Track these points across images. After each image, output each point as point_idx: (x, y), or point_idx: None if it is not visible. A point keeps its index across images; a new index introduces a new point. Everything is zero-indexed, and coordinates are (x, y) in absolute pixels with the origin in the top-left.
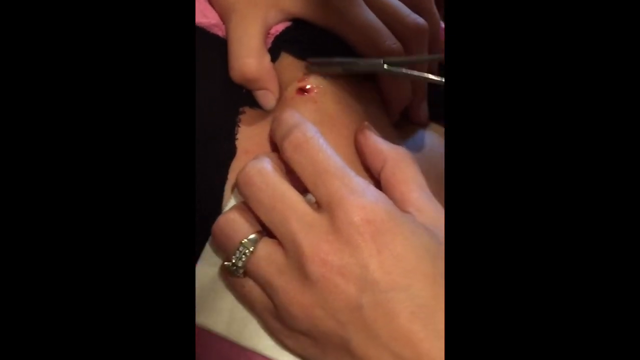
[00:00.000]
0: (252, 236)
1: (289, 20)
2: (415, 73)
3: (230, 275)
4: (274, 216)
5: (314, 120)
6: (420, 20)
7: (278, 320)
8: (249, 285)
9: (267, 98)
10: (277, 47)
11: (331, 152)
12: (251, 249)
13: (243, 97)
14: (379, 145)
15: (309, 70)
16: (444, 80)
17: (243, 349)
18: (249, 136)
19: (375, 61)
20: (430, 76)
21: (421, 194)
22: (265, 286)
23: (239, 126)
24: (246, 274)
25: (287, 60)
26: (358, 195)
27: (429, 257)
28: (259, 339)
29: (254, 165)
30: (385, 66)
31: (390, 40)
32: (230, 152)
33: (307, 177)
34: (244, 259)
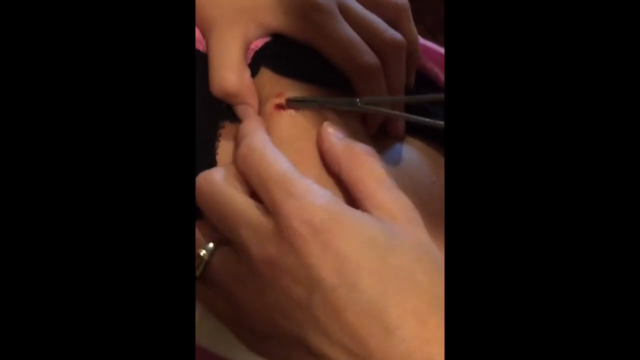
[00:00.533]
0: (209, 246)
1: (269, 35)
2: (390, 112)
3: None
4: (225, 224)
5: (291, 135)
6: (397, 36)
7: (243, 328)
8: (211, 294)
9: (247, 112)
10: (257, 62)
11: (274, 159)
12: (207, 259)
13: (224, 111)
14: (334, 146)
15: (288, 107)
16: (421, 118)
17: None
18: (229, 151)
19: (351, 99)
20: (408, 115)
21: (379, 188)
22: (224, 294)
23: (219, 141)
24: (207, 283)
25: (267, 75)
26: (296, 198)
27: (376, 252)
28: (235, 349)
29: (203, 176)
30: (360, 105)
31: (368, 56)
32: (210, 166)
33: (255, 186)
34: (201, 269)
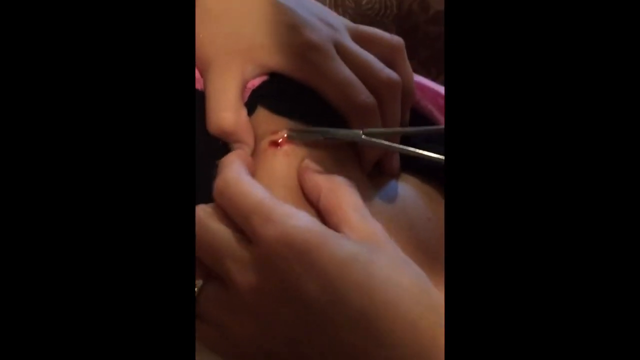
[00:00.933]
0: (198, 282)
1: (266, 74)
2: (393, 145)
3: None
4: (209, 257)
5: (284, 173)
6: (393, 74)
7: (236, 356)
8: (203, 328)
9: (243, 151)
10: (253, 101)
11: (250, 189)
12: (197, 296)
13: (220, 149)
14: (315, 177)
15: (289, 138)
16: (421, 151)
17: None
18: None
19: (354, 132)
20: (408, 148)
21: (355, 214)
22: (216, 326)
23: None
24: (198, 318)
25: (263, 114)
26: (275, 223)
27: (359, 266)
28: None
29: None
30: (363, 137)
31: (364, 95)
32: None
33: (234, 217)
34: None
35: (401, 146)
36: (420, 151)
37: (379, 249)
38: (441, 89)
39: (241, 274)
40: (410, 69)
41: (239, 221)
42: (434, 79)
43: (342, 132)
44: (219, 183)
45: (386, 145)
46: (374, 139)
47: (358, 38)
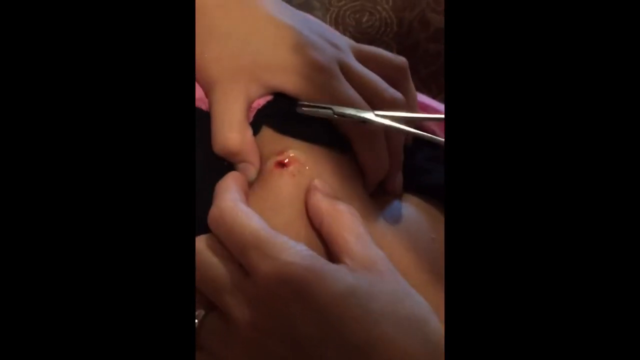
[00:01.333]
0: (200, 312)
1: (271, 94)
2: (404, 127)
3: None
4: (209, 289)
5: (291, 195)
6: (397, 94)
7: None
8: (203, 358)
9: (249, 171)
10: (258, 121)
11: (246, 220)
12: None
13: (225, 170)
14: (318, 203)
15: (300, 112)
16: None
17: None
18: None
19: (365, 111)
20: (417, 131)
21: (357, 243)
22: (215, 358)
23: None
24: (198, 349)
25: (268, 134)
26: (272, 259)
27: (356, 300)
28: None
29: None
30: (375, 117)
31: None
32: None
33: (230, 248)
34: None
35: (410, 129)
36: (431, 135)
37: (379, 280)
38: (442, 108)
39: (239, 309)
40: (413, 89)
41: (235, 253)
42: (434, 97)
43: (353, 111)
44: (214, 212)
45: (395, 127)
46: (383, 120)
47: (362, 58)
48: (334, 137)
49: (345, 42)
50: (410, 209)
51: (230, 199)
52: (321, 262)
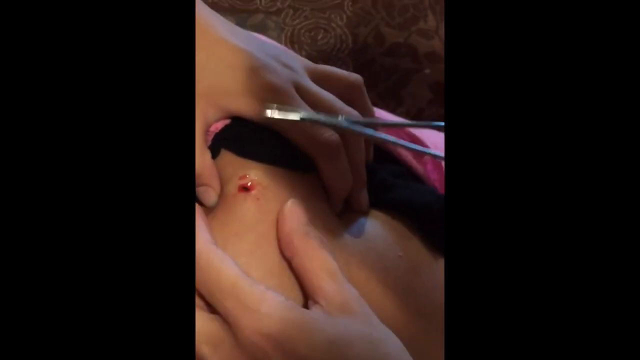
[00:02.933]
0: None
1: (228, 117)
2: (377, 134)
3: None
4: None
5: (255, 219)
6: (354, 112)
7: None
8: None
9: (209, 194)
10: (217, 145)
11: (222, 267)
12: None
13: None
14: (289, 237)
15: (268, 116)
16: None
17: None
18: None
19: (336, 118)
20: (390, 138)
21: (330, 282)
22: None
23: None
24: None
25: (228, 157)
26: (252, 311)
27: (336, 350)
28: None
29: None
30: (345, 123)
31: (327, 133)
32: None
33: (206, 297)
34: None
35: (384, 135)
36: (404, 143)
37: (354, 323)
38: (401, 121)
39: (218, 359)
40: (370, 105)
41: (212, 302)
42: (392, 111)
43: (323, 117)
44: None
45: (368, 133)
46: (356, 127)
47: (316, 77)
48: (295, 158)
49: (299, 63)
50: (377, 225)
51: (202, 240)
52: (301, 314)
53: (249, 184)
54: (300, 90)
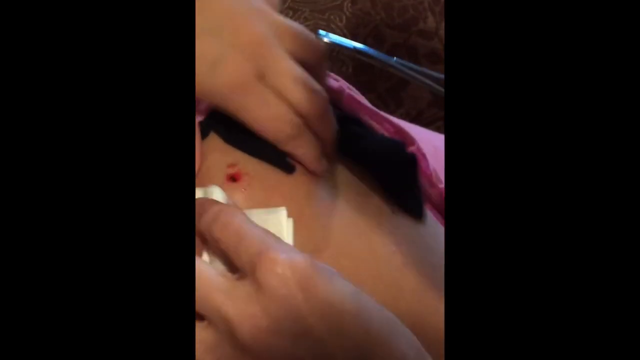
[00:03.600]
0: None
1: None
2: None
3: None
4: (203, 304)
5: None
6: (318, 94)
7: None
8: None
9: None
10: (208, 125)
11: (254, 226)
12: None
13: None
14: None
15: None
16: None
17: None
18: None
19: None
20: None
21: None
22: None
23: None
24: None
25: (216, 142)
26: (278, 250)
27: (351, 296)
28: None
29: None
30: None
31: (288, 127)
32: None
33: (231, 250)
34: None
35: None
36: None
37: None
38: (401, 123)
39: (234, 307)
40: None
41: (234, 252)
42: (392, 113)
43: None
44: (223, 220)
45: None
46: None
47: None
48: (274, 148)
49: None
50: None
51: (236, 211)
52: (316, 263)
53: (235, 172)
54: (265, 79)
